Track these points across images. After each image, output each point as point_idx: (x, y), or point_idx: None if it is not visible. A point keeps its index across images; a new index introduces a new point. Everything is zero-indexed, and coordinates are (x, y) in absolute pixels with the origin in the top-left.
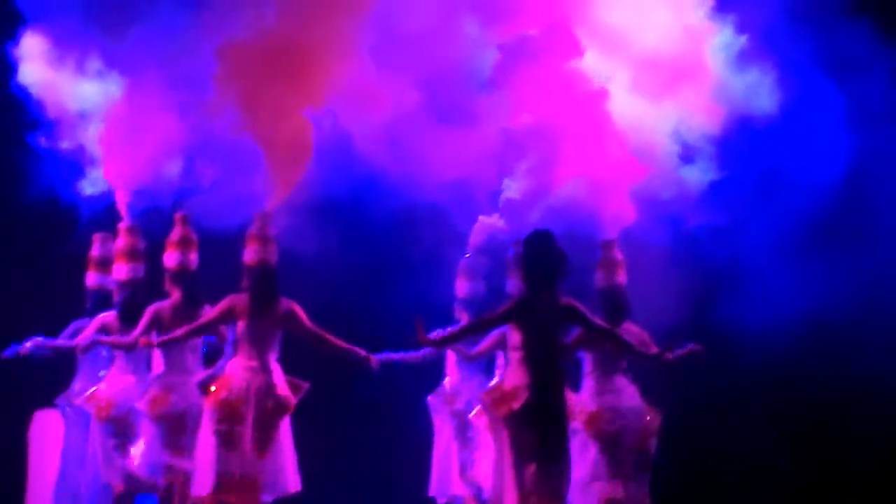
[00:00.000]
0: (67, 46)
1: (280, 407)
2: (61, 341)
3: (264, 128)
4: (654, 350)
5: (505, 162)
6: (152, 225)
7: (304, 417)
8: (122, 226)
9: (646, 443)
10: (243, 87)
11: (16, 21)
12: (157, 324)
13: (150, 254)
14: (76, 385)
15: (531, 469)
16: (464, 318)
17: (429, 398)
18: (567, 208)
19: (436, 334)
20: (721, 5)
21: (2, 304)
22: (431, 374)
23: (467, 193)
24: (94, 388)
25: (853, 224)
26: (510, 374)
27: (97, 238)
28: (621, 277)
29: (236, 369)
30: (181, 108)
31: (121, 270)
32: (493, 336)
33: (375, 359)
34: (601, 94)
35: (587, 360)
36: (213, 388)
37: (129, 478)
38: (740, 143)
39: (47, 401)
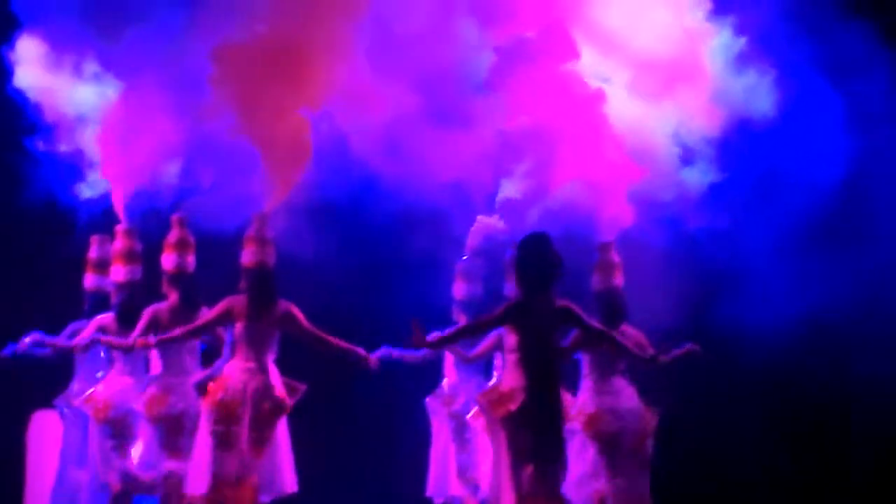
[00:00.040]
0: (64, 49)
1: (276, 408)
2: (60, 340)
3: (261, 129)
4: (651, 352)
5: (502, 164)
6: (150, 227)
7: (302, 419)
8: (120, 228)
9: (644, 444)
10: (240, 89)
11: (11, 24)
12: (155, 326)
13: (147, 256)
14: (74, 386)
15: (528, 470)
16: (462, 320)
17: (427, 399)
18: (564, 210)
19: (432, 336)
20: (720, 7)
21: (0, 306)
22: (430, 375)
23: (465, 195)
24: (92, 390)
25: (852, 225)
26: (506, 375)
27: (95, 240)
28: (618, 280)
29: (234, 370)
30: (178, 110)
31: (118, 272)
32: (490, 338)
33: (374, 357)
34: (598, 96)
35: (585, 362)
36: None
37: (128, 478)
38: (739, 144)
39: (46, 402)
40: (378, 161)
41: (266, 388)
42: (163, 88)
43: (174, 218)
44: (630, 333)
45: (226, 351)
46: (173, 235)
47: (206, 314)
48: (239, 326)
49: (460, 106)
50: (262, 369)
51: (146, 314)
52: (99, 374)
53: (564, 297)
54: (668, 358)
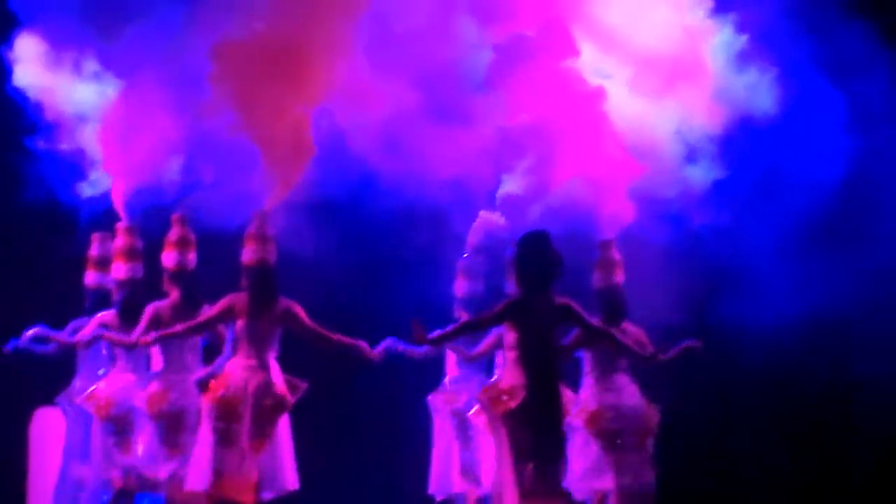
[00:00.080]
0: (63, 48)
1: (278, 405)
2: (63, 336)
3: (261, 127)
4: (651, 350)
5: (503, 161)
6: (151, 224)
7: (304, 416)
8: (121, 225)
9: (646, 441)
10: (239, 87)
11: (10, 23)
12: (156, 323)
13: (148, 253)
14: (76, 383)
15: (530, 467)
16: (463, 318)
17: (429, 397)
18: (565, 208)
19: (433, 334)
20: (721, 5)
21: (1, 305)
22: (432, 372)
23: (465, 193)
24: (94, 387)
25: (854, 224)
26: (506, 373)
27: (96, 237)
28: (619, 277)
29: (235, 368)
30: (178, 108)
31: (119, 270)
32: (491, 336)
33: (379, 349)
34: (598, 94)
35: (586, 360)
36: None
37: (130, 475)
38: (741, 142)
39: (48, 399)
40: (378, 158)
41: (267, 386)
42: (163, 86)
43: (175, 216)
44: (631, 331)
45: (227, 348)
46: (174, 233)
47: (208, 311)
48: (240, 324)
49: (460, 103)
50: (264, 367)
51: (147, 312)
52: (101, 372)
53: (564, 295)
54: (667, 356)
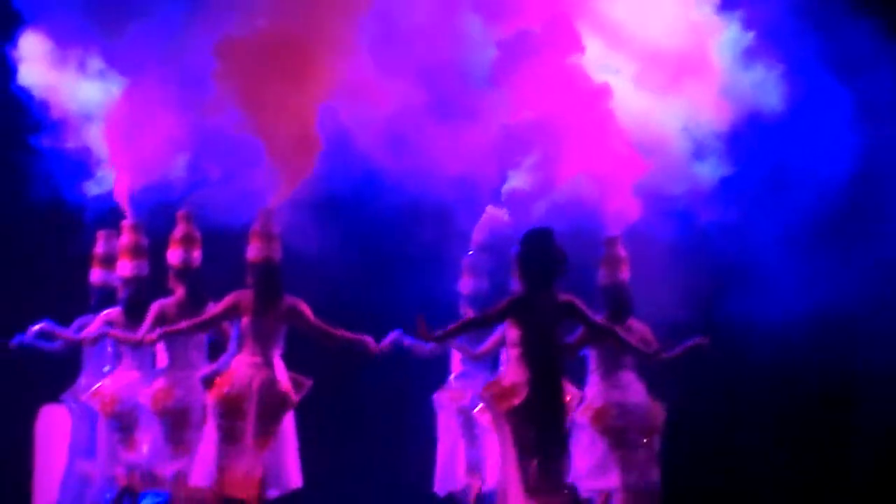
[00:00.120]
0: (68, 46)
1: (282, 403)
2: (68, 333)
3: (266, 124)
4: (656, 347)
5: (508, 158)
6: (156, 222)
7: (309, 414)
8: (126, 223)
9: (652, 438)
10: (244, 84)
11: (15, 22)
12: (162, 321)
13: (154, 251)
14: (82, 380)
15: (534, 464)
16: (469, 315)
17: (434, 395)
18: (571, 205)
19: (437, 331)
20: (728, 1)
21: (6, 304)
22: (437, 370)
23: (471, 190)
24: (99, 384)
25: (861, 220)
26: (509, 370)
27: (101, 235)
28: (624, 274)
29: (240, 365)
30: (183, 106)
31: (125, 267)
32: (496, 334)
33: (385, 343)
34: (604, 90)
35: (592, 357)
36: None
37: (135, 472)
38: (748, 139)
39: (53, 396)
40: (383, 155)
41: (272, 383)
42: (167, 84)
43: (180, 213)
44: (637, 328)
45: (232, 345)
46: (179, 231)
47: (213, 309)
48: (245, 321)
49: (465, 100)
50: (269, 364)
51: (153, 310)
52: (106, 369)
53: (568, 292)
54: (671, 353)
